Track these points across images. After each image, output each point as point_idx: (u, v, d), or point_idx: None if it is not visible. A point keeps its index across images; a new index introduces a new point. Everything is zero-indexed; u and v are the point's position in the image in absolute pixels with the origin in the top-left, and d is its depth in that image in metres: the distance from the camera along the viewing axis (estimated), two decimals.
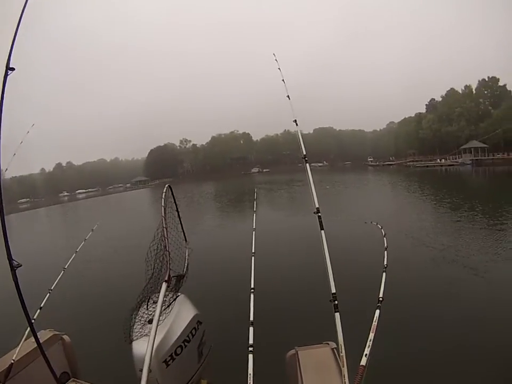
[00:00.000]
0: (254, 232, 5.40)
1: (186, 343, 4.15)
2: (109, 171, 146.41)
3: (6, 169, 5.81)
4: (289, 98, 4.83)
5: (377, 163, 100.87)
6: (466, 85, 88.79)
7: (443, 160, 77.38)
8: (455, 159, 75.55)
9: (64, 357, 5.04)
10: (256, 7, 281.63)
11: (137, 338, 3.96)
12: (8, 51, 2.85)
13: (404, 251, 14.14)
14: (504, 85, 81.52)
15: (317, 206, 3.62)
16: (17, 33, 2.90)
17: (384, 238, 5.05)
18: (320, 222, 3.57)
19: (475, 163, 68.48)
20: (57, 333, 5.04)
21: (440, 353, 6.93)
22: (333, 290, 3.15)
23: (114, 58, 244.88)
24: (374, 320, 3.13)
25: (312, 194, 3.71)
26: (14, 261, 2.84)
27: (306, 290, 10.01)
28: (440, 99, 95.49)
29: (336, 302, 3.11)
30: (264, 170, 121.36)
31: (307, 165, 4.02)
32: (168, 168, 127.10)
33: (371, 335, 2.92)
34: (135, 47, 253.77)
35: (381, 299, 3.49)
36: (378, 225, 5.74)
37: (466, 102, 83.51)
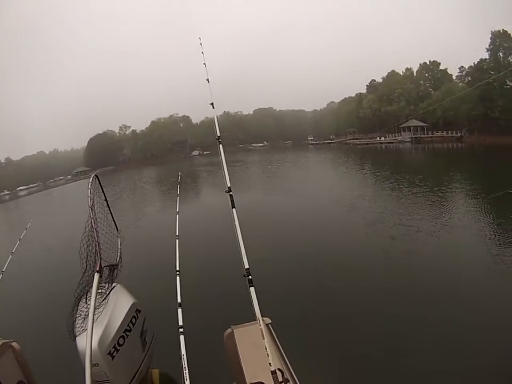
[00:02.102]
0: (177, 216, 5.90)
1: (127, 333, 4.24)
2: (49, 164, 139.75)
3: None
4: (208, 82, 5.09)
5: (317, 141, 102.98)
6: (407, 68, 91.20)
7: (383, 138, 79.98)
8: (395, 137, 78.02)
9: (17, 365, 4.83)
10: None
11: (79, 334, 3.92)
12: None
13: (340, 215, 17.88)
14: (445, 69, 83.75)
15: (229, 185, 3.76)
16: None
17: None
18: (232, 201, 3.73)
19: (414, 141, 71.77)
20: (6, 340, 4.84)
21: None
22: (246, 266, 3.23)
23: (44, 44, 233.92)
24: None
25: (224, 174, 3.91)
26: None
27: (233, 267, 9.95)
28: (381, 80, 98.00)
29: (250, 277, 3.19)
30: (205, 152, 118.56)
31: (220, 146, 4.31)
32: (109, 156, 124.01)
33: None
34: (68, 30, 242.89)
35: None
36: None
37: (407, 83, 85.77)
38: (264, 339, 2.81)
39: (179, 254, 4.89)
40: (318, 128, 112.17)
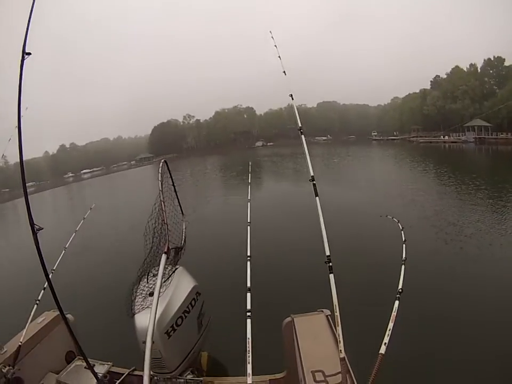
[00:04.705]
0: (249, 203, 5.56)
1: (186, 314, 4.32)
2: (112, 150, 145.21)
3: (3, 155, 6.27)
4: (285, 74, 5.02)
5: (381, 137, 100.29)
6: (471, 63, 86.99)
7: (446, 137, 76.83)
8: (459, 136, 74.79)
9: (68, 337, 4.88)
10: None
11: (139, 311, 4.15)
12: (24, 36, 2.89)
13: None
14: (510, 65, 79.12)
15: (312, 174, 3.75)
16: (31, 19, 2.99)
17: (402, 232, 5.07)
18: (315, 190, 3.71)
19: (478, 141, 68.18)
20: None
21: None
22: (327, 253, 3.27)
23: (113, 35, 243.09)
24: (394, 310, 3.26)
25: (308, 164, 3.87)
26: (36, 225, 2.91)
27: (305, 257, 10.34)
28: (445, 76, 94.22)
29: (330, 264, 3.24)
30: (268, 144, 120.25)
31: (302, 136, 4.15)
32: (173, 144, 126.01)
33: (390, 325, 3.05)
34: (135, 23, 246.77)
35: (400, 291, 3.61)
36: (394, 219, 5.77)
37: (471, 80, 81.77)
38: (338, 326, 2.94)
39: (250, 240, 4.70)
40: (381, 123, 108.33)
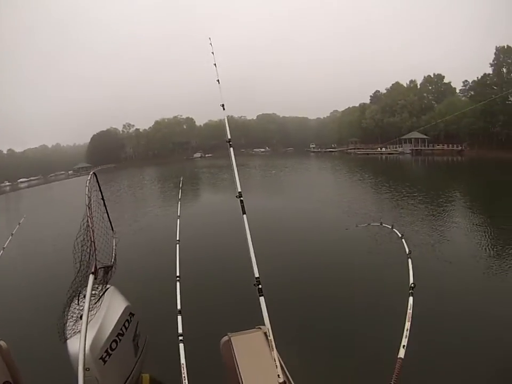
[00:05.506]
0: (178, 220, 5.64)
1: (120, 337, 4.12)
2: (51, 158, 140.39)
3: None
4: (218, 83, 4.83)
5: (319, 149, 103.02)
6: (411, 80, 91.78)
7: (383, 148, 79.07)
8: (396, 148, 77.62)
9: (4, 365, 4.56)
10: None
11: (71, 336, 3.85)
12: None
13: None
14: (449, 82, 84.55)
15: (239, 190, 3.49)
16: None
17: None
18: (242, 206, 3.41)
19: (414, 153, 71.91)
20: None
21: None
22: (256, 275, 3.03)
23: (55, 43, 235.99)
24: (409, 308, 3.07)
25: (235, 179, 3.63)
26: None
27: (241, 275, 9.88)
28: (385, 91, 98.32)
29: (260, 286, 2.99)
30: (207, 155, 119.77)
31: (231, 149, 3.98)
32: (111, 154, 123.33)
33: (407, 324, 2.85)
34: (75, 32, 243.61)
35: (412, 285, 3.43)
36: (394, 229, 5.67)
37: (410, 95, 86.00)
38: (273, 350, 2.71)
39: (179, 259, 4.63)
40: (320, 136, 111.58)
